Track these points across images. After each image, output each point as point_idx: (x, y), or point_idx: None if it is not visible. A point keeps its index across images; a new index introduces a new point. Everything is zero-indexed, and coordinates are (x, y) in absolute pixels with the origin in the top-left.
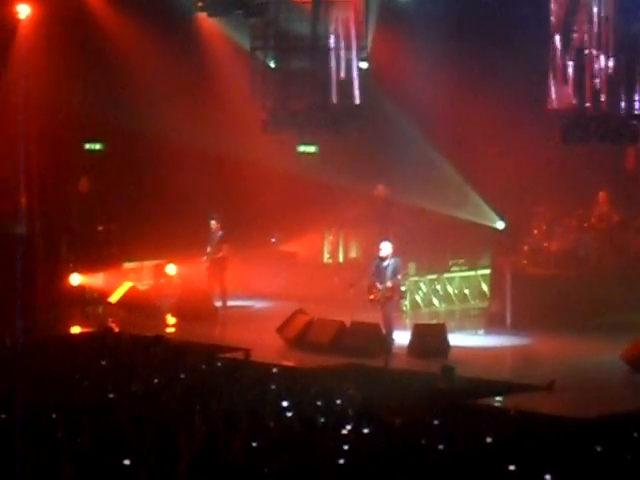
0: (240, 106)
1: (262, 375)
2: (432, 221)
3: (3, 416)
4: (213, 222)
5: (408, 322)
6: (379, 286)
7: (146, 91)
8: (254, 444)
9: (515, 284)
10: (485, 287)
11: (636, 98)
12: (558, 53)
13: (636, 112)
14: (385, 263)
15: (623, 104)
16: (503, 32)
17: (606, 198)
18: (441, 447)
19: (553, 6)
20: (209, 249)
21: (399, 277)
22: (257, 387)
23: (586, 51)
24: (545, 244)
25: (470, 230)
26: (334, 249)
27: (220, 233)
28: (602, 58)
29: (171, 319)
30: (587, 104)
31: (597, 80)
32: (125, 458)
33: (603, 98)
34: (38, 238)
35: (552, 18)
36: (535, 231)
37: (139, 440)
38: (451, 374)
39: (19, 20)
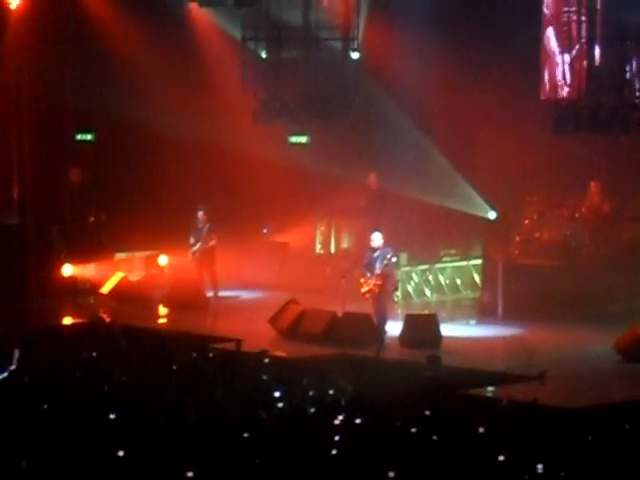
0: (231, 96)
1: (253, 365)
2: (424, 211)
3: None
4: (200, 213)
5: (400, 312)
6: (369, 277)
7: (137, 81)
8: (245, 435)
9: (507, 274)
10: (477, 277)
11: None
12: (550, 43)
13: (627, 102)
14: (376, 254)
15: (614, 94)
16: (496, 21)
17: (598, 188)
18: (432, 437)
19: None
20: (193, 240)
21: (385, 262)
22: (249, 377)
23: (577, 44)
24: (537, 234)
25: (462, 220)
26: (326, 239)
27: (208, 225)
28: (594, 48)
29: (163, 310)
30: (578, 94)
31: (588, 70)
32: (118, 449)
33: (594, 88)
34: (30, 228)
35: (545, 9)
36: (526, 221)
37: (131, 431)
38: (437, 363)
39: (10, 11)
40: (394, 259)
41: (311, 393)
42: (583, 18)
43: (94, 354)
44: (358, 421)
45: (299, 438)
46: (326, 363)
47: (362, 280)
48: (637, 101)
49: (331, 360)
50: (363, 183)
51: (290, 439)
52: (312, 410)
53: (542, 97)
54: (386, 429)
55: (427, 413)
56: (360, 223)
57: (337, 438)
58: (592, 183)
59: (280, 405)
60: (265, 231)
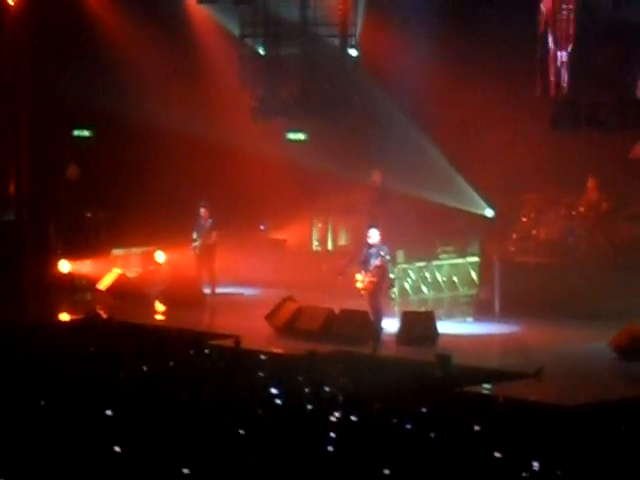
0: (229, 93)
1: (251, 362)
2: (421, 208)
3: None
4: (202, 209)
5: (397, 309)
6: (364, 273)
7: (135, 77)
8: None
9: (504, 272)
10: (474, 275)
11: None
12: (548, 41)
13: (624, 100)
14: (372, 250)
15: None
16: (495, 18)
17: (595, 185)
18: (429, 434)
19: None
20: (195, 236)
21: (382, 254)
22: (246, 374)
23: (573, 41)
24: (534, 232)
25: (459, 217)
26: (323, 237)
27: (210, 220)
28: (591, 46)
29: (160, 306)
30: (575, 92)
31: (585, 68)
32: (114, 445)
33: (591, 86)
34: (27, 225)
35: (542, 6)
36: (524, 219)
37: (128, 427)
38: (447, 362)
39: (9, 6)
40: (387, 256)
41: (307, 390)
42: (579, 15)
43: (91, 350)
44: (354, 418)
45: (295, 435)
46: (324, 360)
47: (358, 276)
48: (635, 98)
49: (329, 357)
50: (362, 181)
51: (286, 436)
52: (309, 407)
53: (539, 94)
54: (382, 426)
55: (424, 410)
56: (358, 220)
57: (333, 435)
58: (589, 180)
59: (277, 402)
60: (262, 228)
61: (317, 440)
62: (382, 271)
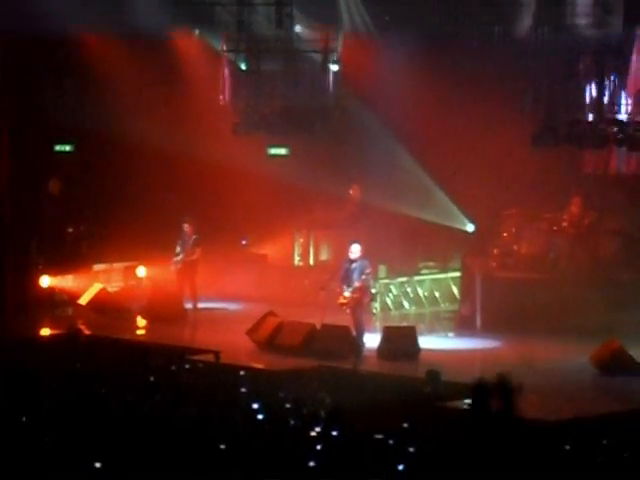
0: (211, 108)
1: (231, 377)
2: (402, 223)
3: None
4: (186, 225)
5: (378, 325)
6: (346, 289)
7: (117, 93)
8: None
9: (485, 287)
10: (455, 290)
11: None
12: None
13: (604, 118)
14: (353, 265)
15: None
16: (476, 34)
17: (579, 202)
18: (410, 449)
19: None
20: (178, 250)
21: (363, 277)
22: (226, 389)
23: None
24: (515, 247)
25: (440, 233)
26: (304, 251)
27: (194, 237)
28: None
29: (141, 321)
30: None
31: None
32: (95, 461)
33: (571, 103)
34: (8, 240)
35: None
36: (505, 234)
37: (108, 442)
38: (436, 379)
39: None
40: (368, 275)
41: (289, 405)
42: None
43: (72, 365)
44: (335, 433)
45: (277, 450)
46: (304, 375)
47: (345, 294)
48: (614, 116)
49: (309, 372)
50: (343, 195)
51: (268, 451)
52: (291, 422)
53: (521, 111)
54: (364, 441)
55: (405, 425)
56: (339, 235)
57: (316, 449)
58: (574, 197)
59: (259, 417)
60: (244, 242)
61: (298, 455)
62: (365, 287)
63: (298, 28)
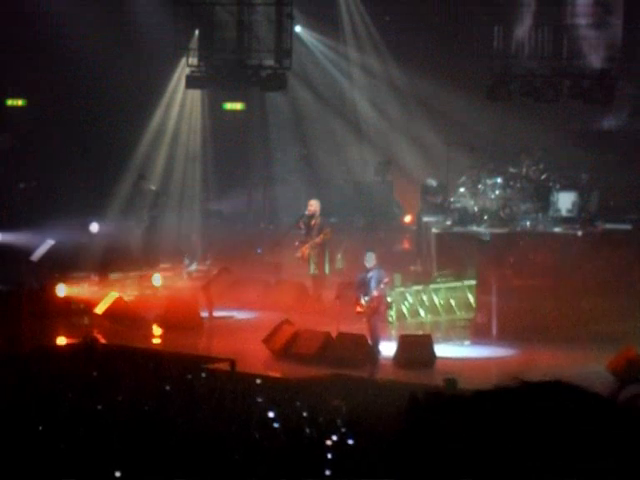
0: (164, 60)
1: (247, 386)
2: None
3: None
4: (194, 235)
5: (394, 333)
6: (363, 298)
7: (69, 47)
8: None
9: (500, 295)
10: (471, 298)
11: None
12: None
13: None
14: (369, 274)
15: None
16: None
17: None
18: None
19: None
20: (187, 261)
21: (382, 286)
22: (242, 398)
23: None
24: (530, 255)
25: (456, 240)
26: (320, 260)
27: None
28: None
29: (157, 330)
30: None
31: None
32: (115, 469)
33: (526, 57)
34: None
35: None
36: (461, 189)
37: (126, 451)
38: (454, 386)
39: None
40: (384, 285)
41: (304, 414)
42: None
43: (88, 374)
44: (351, 442)
45: (293, 459)
46: (320, 384)
47: (358, 301)
48: (568, 69)
49: (325, 381)
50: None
51: (284, 460)
52: (306, 431)
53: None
54: (380, 450)
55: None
56: (355, 244)
57: (332, 458)
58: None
59: (274, 426)
60: (259, 251)
61: (314, 464)
62: (381, 296)
63: None
